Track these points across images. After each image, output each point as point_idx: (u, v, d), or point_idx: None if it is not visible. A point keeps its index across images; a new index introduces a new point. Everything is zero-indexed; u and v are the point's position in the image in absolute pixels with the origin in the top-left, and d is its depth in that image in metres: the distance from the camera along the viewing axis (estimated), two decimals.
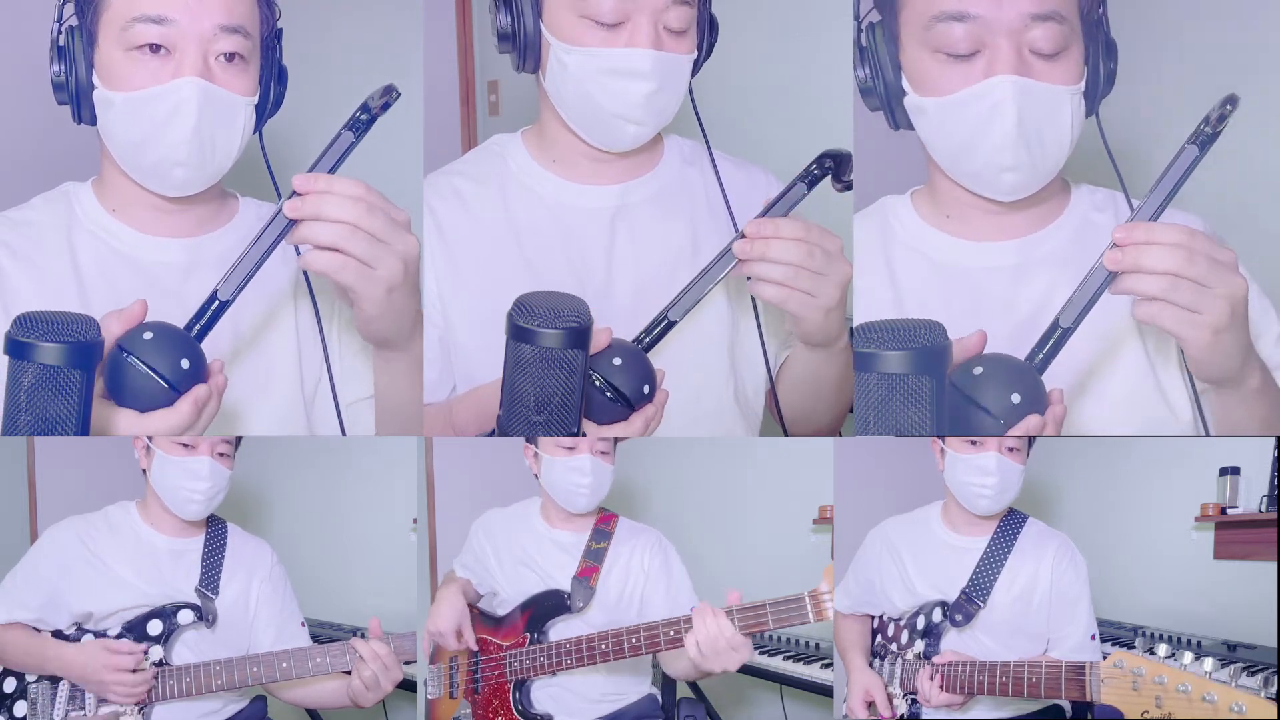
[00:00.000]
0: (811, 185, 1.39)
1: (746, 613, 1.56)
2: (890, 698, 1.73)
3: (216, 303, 1.32)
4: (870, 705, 1.74)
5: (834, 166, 1.40)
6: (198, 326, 1.31)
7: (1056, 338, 1.26)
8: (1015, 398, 1.22)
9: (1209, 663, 1.34)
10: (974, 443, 1.63)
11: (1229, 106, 1.23)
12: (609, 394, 1.31)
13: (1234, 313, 1.20)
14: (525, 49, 1.46)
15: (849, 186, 1.40)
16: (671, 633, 1.62)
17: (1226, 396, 1.33)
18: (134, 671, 1.62)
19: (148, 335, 1.26)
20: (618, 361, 1.31)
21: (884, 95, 1.40)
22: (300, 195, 1.28)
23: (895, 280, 1.47)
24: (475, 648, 1.82)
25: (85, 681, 1.63)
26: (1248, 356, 1.28)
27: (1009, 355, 1.26)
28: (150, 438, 1.63)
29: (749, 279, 1.38)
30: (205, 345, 1.31)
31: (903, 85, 1.38)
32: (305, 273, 1.41)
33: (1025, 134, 1.31)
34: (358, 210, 1.27)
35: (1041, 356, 1.26)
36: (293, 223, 1.29)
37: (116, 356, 1.26)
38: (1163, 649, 1.39)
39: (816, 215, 1.43)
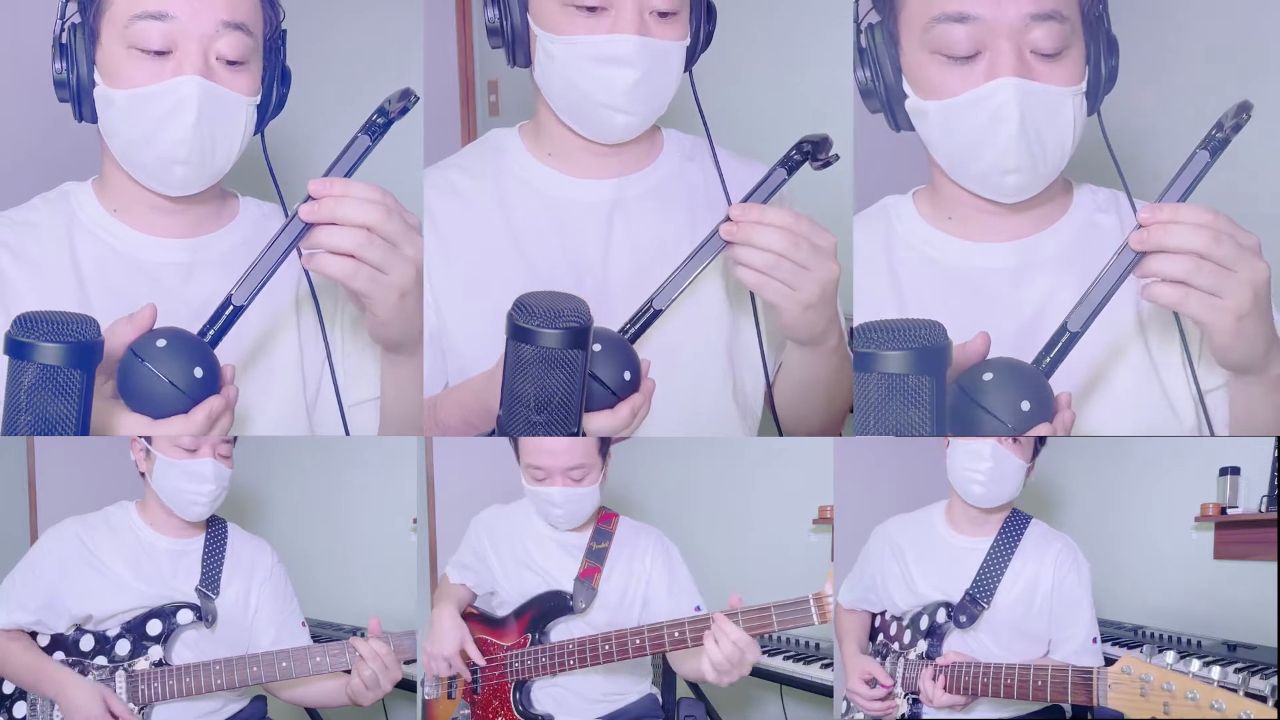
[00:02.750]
0: (791, 170, 1.39)
1: (751, 615, 1.56)
2: (890, 678, 1.74)
3: (231, 308, 1.32)
4: (870, 683, 1.73)
5: (812, 149, 1.39)
6: (212, 332, 1.31)
7: (1064, 342, 1.26)
8: (1025, 405, 1.22)
9: (1217, 670, 1.34)
10: None
11: (1244, 115, 1.23)
12: (593, 377, 1.30)
13: (1257, 297, 1.20)
14: (514, 42, 1.46)
15: (827, 164, 1.39)
16: (676, 634, 1.62)
17: (1250, 385, 1.32)
18: None
19: (161, 342, 1.27)
20: (597, 348, 1.30)
21: (884, 97, 1.40)
22: (316, 199, 1.28)
23: (897, 280, 1.46)
24: (483, 663, 1.81)
25: (71, 717, 1.62)
26: (1271, 343, 1.27)
27: (1018, 360, 1.26)
28: (149, 440, 1.63)
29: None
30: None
31: (903, 88, 1.38)
32: (309, 275, 1.41)
33: (1027, 136, 1.31)
34: (375, 214, 1.27)
35: (1049, 361, 1.26)
36: (308, 226, 1.29)
37: (131, 362, 1.26)
38: (1170, 655, 1.39)
39: (815, 212, 1.42)
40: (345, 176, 1.30)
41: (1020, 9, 1.29)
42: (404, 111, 1.33)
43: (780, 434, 1.56)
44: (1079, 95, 1.34)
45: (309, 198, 1.28)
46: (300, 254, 1.32)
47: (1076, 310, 1.25)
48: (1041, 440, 1.67)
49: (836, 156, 1.39)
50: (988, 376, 1.23)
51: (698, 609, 1.67)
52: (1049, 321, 1.29)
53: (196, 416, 1.26)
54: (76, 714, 1.61)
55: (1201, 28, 2.03)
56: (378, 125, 1.32)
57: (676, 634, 1.62)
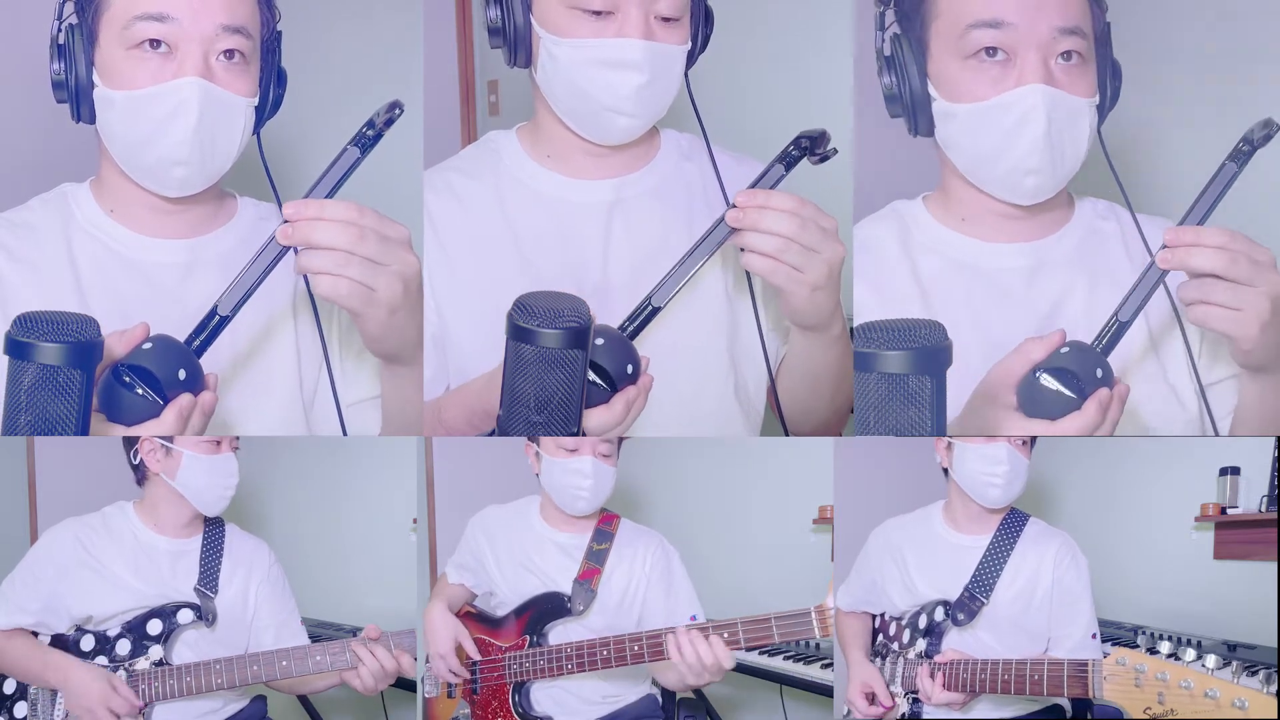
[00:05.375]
0: (790, 166, 1.40)
1: (751, 626, 1.56)
2: (892, 696, 1.74)
3: (216, 318, 1.32)
4: (870, 697, 1.74)
5: (809, 145, 1.41)
6: (197, 341, 1.31)
7: (1114, 330, 1.32)
8: (1099, 371, 1.28)
9: (1211, 660, 1.35)
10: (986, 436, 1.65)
11: (1272, 128, 1.32)
12: (591, 375, 1.30)
13: (1275, 306, 1.28)
14: (516, 43, 1.46)
15: (825, 158, 1.42)
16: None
17: (1264, 381, 1.39)
18: (126, 716, 1.62)
19: (147, 346, 1.27)
20: (600, 342, 1.31)
21: (909, 102, 1.44)
22: (291, 223, 1.28)
23: (919, 278, 1.49)
24: (477, 657, 1.82)
25: (76, 703, 1.63)
26: None
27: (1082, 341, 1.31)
28: (170, 440, 1.63)
29: (742, 250, 1.38)
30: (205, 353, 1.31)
31: (929, 92, 1.42)
32: (305, 277, 1.41)
33: (1051, 140, 1.37)
34: (348, 236, 1.26)
35: (1101, 346, 1.32)
36: (285, 249, 1.30)
37: (112, 378, 1.25)
38: (1165, 647, 1.40)
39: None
40: (334, 188, 1.31)
41: (1050, 22, 1.37)
42: (390, 123, 1.33)
43: (784, 429, 1.56)
44: (1093, 107, 1.41)
45: (285, 220, 1.28)
46: (297, 251, 1.32)
47: (1126, 302, 1.32)
48: (1033, 439, 1.68)
49: (834, 150, 1.42)
50: (1065, 349, 1.28)
51: (693, 618, 1.67)
52: (1063, 317, 1.41)
53: (167, 417, 1.26)
54: (83, 697, 1.62)
55: (1195, 43, 2.05)
56: (367, 138, 1.32)
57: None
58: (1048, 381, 1.27)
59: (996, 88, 1.38)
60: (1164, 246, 1.29)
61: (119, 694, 1.61)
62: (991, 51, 1.37)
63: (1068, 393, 1.26)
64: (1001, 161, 1.40)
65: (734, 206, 1.36)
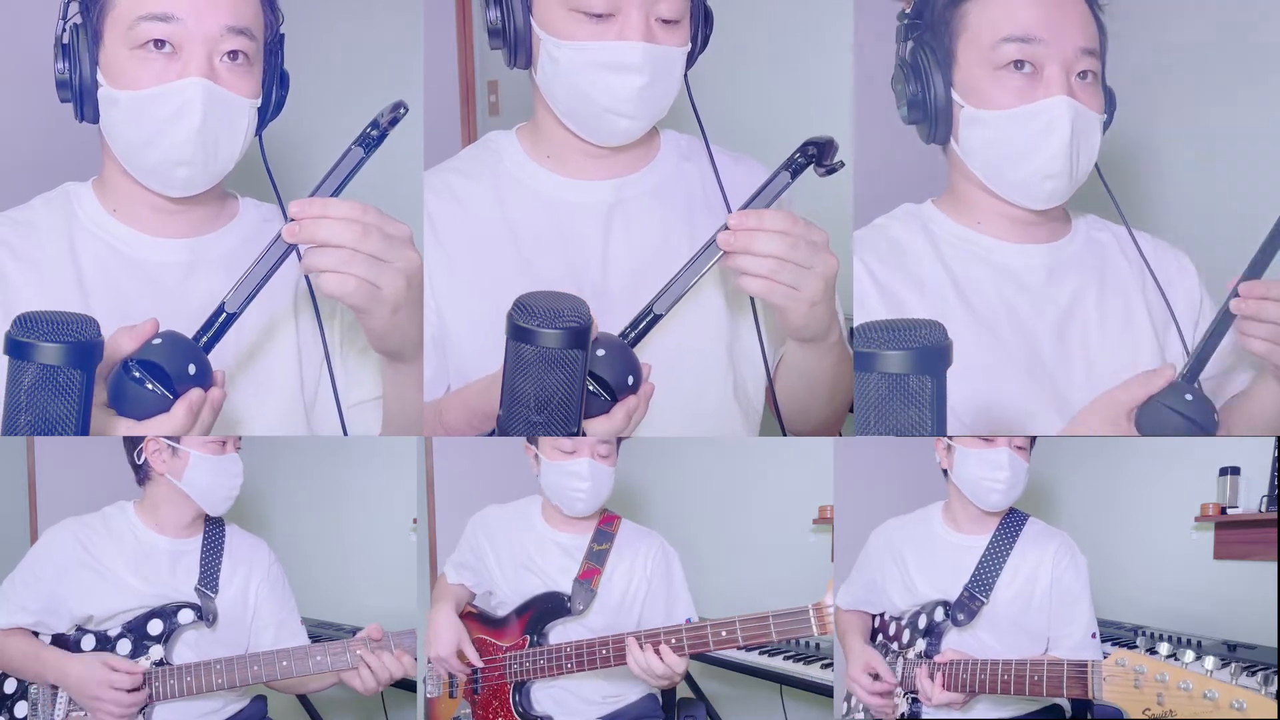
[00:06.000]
0: (795, 174, 1.41)
1: (750, 624, 1.57)
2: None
3: (224, 315, 1.32)
4: (873, 676, 1.74)
5: (816, 153, 1.41)
6: (205, 337, 1.31)
7: (1194, 364, 1.41)
8: (1216, 416, 1.39)
9: (1210, 661, 1.36)
10: (986, 439, 1.65)
11: None
12: (592, 385, 1.31)
13: None
14: (516, 44, 1.46)
15: (831, 171, 1.43)
16: (674, 641, 1.63)
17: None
18: (131, 690, 1.62)
19: (156, 341, 1.27)
20: (601, 353, 1.31)
21: (932, 109, 1.49)
22: (297, 221, 1.28)
23: (950, 270, 1.53)
24: (480, 664, 1.82)
25: (79, 695, 1.63)
26: None
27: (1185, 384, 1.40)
28: (178, 440, 1.63)
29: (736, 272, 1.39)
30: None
31: (953, 99, 1.48)
32: (307, 277, 1.41)
33: (1070, 148, 1.44)
34: (352, 233, 1.27)
35: (1184, 377, 1.41)
36: (291, 246, 1.30)
37: (121, 374, 1.26)
38: (1164, 648, 1.40)
39: (815, 210, 1.43)
40: (339, 187, 1.31)
41: (1074, 41, 1.46)
42: (394, 123, 1.33)
43: (783, 430, 1.56)
44: (1101, 123, 1.49)
45: (291, 219, 1.29)
46: (300, 256, 1.33)
47: (1207, 343, 1.41)
48: (1033, 441, 1.69)
49: (841, 164, 1.43)
50: (1189, 397, 1.38)
51: (688, 621, 1.67)
52: (1079, 312, 1.53)
53: (177, 412, 1.26)
54: (84, 688, 1.62)
55: (1181, 63, 2.07)
56: (371, 138, 1.32)
57: (674, 641, 1.63)
58: (1174, 411, 1.37)
59: (1021, 98, 1.45)
60: (1235, 295, 1.39)
61: (118, 670, 1.62)
62: (1020, 64, 1.44)
63: (1194, 420, 1.37)
64: (1024, 166, 1.46)
65: (725, 228, 1.36)
